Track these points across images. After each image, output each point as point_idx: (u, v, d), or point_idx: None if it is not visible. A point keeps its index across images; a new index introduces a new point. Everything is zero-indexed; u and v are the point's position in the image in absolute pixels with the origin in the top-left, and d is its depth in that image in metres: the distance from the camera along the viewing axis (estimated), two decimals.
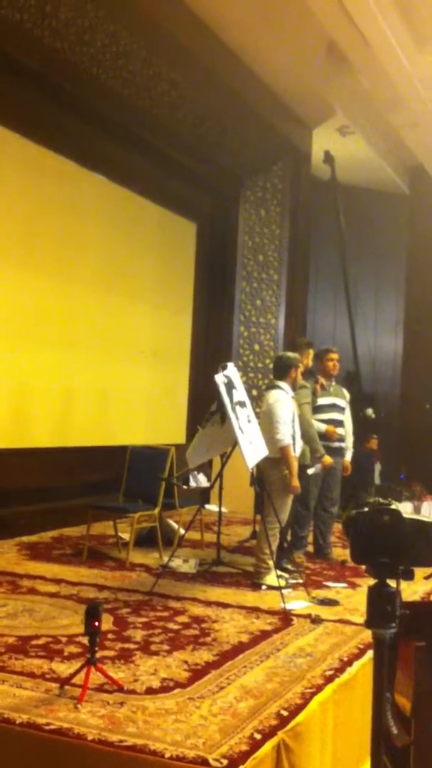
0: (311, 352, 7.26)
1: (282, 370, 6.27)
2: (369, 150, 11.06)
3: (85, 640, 3.72)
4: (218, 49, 8.27)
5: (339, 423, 7.18)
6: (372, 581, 2.05)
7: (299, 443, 6.18)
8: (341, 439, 7.17)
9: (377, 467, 10.87)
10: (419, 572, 1.98)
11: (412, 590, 5.82)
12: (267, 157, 10.48)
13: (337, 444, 7.11)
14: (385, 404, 11.91)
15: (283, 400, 6.07)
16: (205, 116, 9.01)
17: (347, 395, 7.43)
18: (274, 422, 5.96)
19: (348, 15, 7.95)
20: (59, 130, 8.02)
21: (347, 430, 7.29)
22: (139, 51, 7.61)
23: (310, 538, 7.25)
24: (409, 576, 1.98)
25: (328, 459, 6.83)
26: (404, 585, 2.05)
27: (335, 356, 7.29)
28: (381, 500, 1.90)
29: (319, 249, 12.09)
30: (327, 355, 7.29)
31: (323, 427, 6.99)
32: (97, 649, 3.57)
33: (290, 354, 6.45)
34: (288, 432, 5.95)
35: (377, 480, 10.81)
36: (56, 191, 8.13)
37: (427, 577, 6.09)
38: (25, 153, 7.68)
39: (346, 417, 7.30)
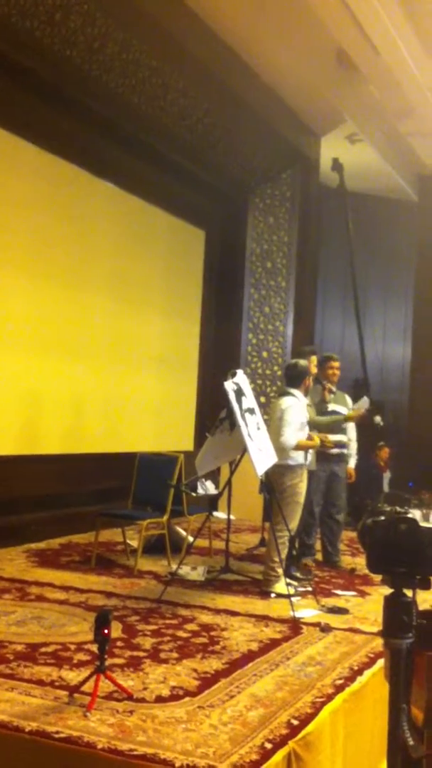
0: (314, 359, 7.24)
1: (296, 377, 6.26)
2: (377, 157, 11.06)
3: (94, 648, 3.70)
4: (227, 58, 8.29)
5: (341, 430, 7.17)
6: (385, 591, 2.04)
7: (311, 451, 6.17)
8: (344, 445, 7.15)
9: (386, 476, 10.82)
10: None
11: (422, 599, 5.79)
12: (276, 165, 10.49)
13: (338, 450, 7.07)
14: (394, 411, 11.87)
15: (295, 406, 6.05)
16: (214, 124, 9.02)
17: (350, 402, 7.43)
18: (281, 426, 5.94)
19: (357, 23, 7.97)
20: (68, 138, 8.03)
21: (350, 437, 7.29)
22: (148, 60, 7.62)
23: (318, 546, 7.23)
24: (426, 586, 1.97)
25: (316, 439, 6.32)
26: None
27: (336, 364, 7.31)
28: (398, 509, 1.89)
29: (328, 256, 12.10)
30: (328, 363, 7.31)
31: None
32: (106, 656, 3.55)
33: (303, 362, 6.43)
34: (293, 435, 5.92)
35: (386, 488, 10.76)
36: (65, 199, 8.14)
37: None
38: (34, 161, 7.69)
39: (349, 424, 7.29)
